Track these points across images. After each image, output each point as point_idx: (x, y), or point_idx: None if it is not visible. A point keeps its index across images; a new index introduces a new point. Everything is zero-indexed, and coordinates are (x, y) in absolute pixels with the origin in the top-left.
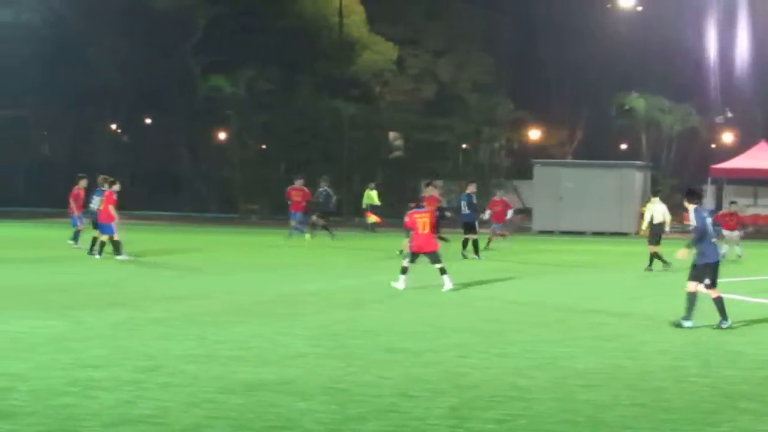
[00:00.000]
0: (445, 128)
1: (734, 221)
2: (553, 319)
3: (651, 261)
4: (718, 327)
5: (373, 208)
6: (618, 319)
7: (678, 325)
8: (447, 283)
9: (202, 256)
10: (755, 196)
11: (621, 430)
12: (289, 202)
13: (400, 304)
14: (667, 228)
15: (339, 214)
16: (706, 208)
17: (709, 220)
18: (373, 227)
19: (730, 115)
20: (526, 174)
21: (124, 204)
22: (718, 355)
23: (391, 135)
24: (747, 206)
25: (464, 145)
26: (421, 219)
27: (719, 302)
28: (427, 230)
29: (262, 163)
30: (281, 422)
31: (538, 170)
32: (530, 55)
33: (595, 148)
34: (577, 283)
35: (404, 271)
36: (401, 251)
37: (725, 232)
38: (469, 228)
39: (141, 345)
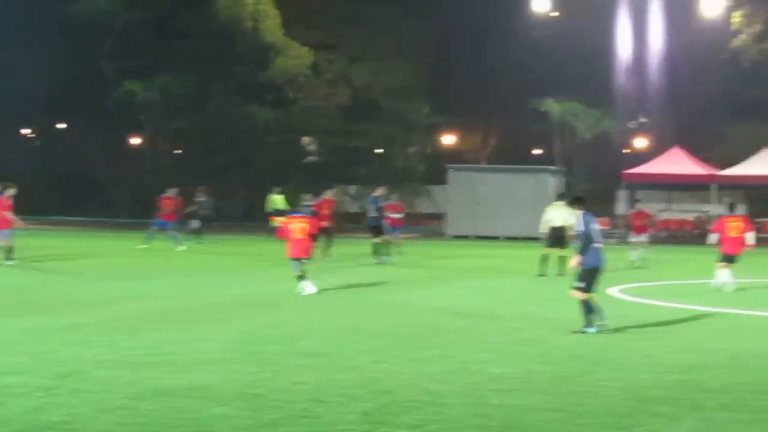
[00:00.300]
0: (360, 133)
1: (644, 221)
2: (468, 324)
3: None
4: (582, 332)
5: (278, 213)
6: (532, 324)
7: (583, 332)
8: (307, 288)
9: (112, 262)
10: (668, 201)
11: None
12: (161, 210)
13: (318, 309)
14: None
15: (214, 220)
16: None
17: (594, 226)
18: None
19: (643, 120)
20: (441, 179)
21: (37, 209)
22: (631, 359)
23: (306, 140)
24: (660, 211)
25: (379, 150)
26: (296, 225)
27: (587, 306)
28: (303, 235)
29: (177, 169)
30: (194, 428)
31: (453, 175)
32: (447, 60)
33: (510, 153)
34: (491, 288)
35: (300, 278)
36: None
37: (633, 238)
38: (377, 231)
39: (52, 351)
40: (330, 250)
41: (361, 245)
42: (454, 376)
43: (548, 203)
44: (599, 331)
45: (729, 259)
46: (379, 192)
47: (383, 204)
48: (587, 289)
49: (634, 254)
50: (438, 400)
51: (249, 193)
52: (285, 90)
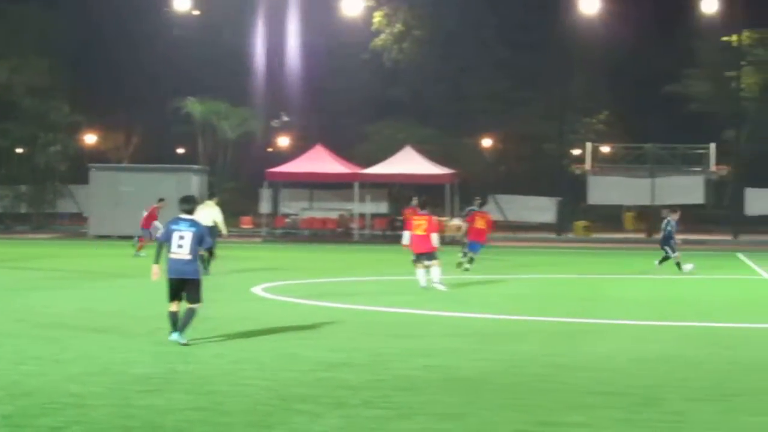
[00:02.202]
0: (0, 133)
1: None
2: (111, 324)
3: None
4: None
5: None
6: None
7: (177, 342)
8: None
9: None
10: (311, 199)
11: None
12: None
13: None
14: (224, 232)
15: None
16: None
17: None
18: None
19: (286, 119)
20: (84, 179)
21: None
22: (274, 357)
23: None
24: (303, 210)
25: (20, 150)
26: None
27: (173, 316)
28: None
29: None
30: None
31: (94, 175)
32: (90, 58)
33: (153, 153)
34: (134, 288)
35: None
36: None
37: None
38: None
39: None
40: None
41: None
42: (96, 377)
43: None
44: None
45: (417, 258)
46: None
47: None
48: (174, 299)
49: None
50: (80, 401)
51: None
52: None
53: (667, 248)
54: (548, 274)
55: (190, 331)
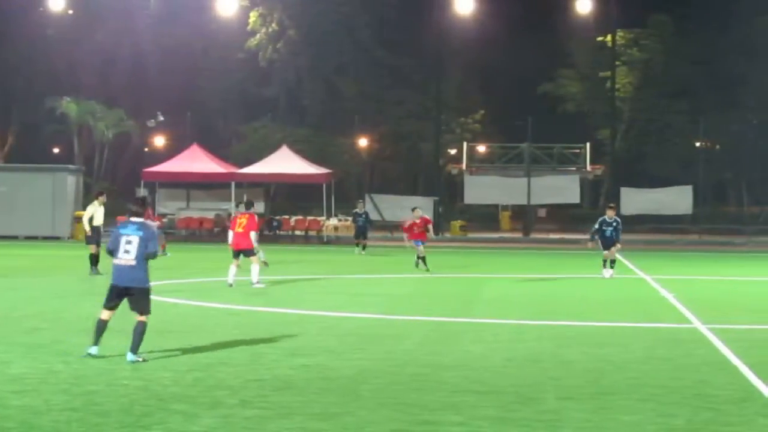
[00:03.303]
0: None
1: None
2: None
3: (92, 262)
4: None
5: None
6: (53, 324)
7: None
8: None
9: None
10: (188, 199)
11: None
12: None
13: None
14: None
15: None
16: None
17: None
18: None
19: (161, 119)
20: None
21: None
22: (151, 357)
23: None
24: (180, 209)
25: None
26: None
27: (102, 325)
28: None
29: None
30: None
31: None
32: None
33: (28, 153)
34: (13, 288)
35: None
36: None
37: None
38: None
39: None
40: None
41: None
42: None
43: (67, 202)
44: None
45: (235, 254)
46: None
47: None
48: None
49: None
50: None
51: None
52: None
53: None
54: (425, 273)
55: (68, 333)
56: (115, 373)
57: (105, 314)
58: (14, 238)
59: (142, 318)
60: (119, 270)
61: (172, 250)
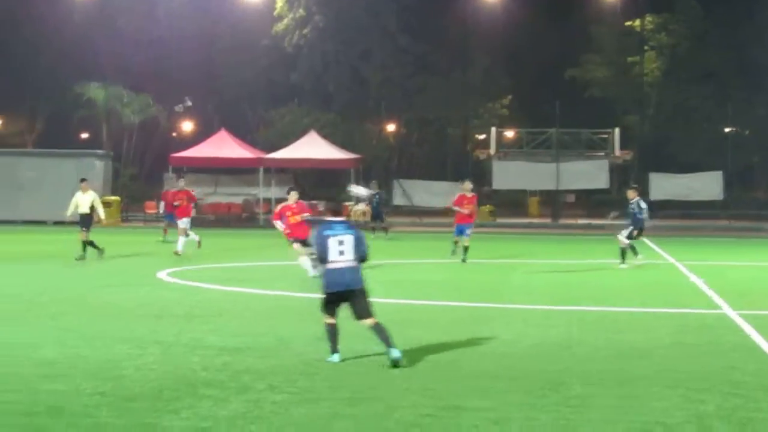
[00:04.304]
0: None
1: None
2: (15, 309)
3: (84, 248)
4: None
5: None
6: (79, 309)
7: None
8: None
9: None
10: (215, 184)
11: (83, 419)
12: None
13: None
14: (102, 218)
15: None
16: None
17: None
18: None
19: (189, 104)
20: None
21: None
22: (179, 342)
23: None
24: (208, 194)
25: None
26: None
27: (333, 330)
28: None
29: None
30: None
31: None
32: None
33: (57, 138)
34: (40, 272)
35: None
36: None
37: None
38: None
39: None
40: None
41: None
42: None
43: (95, 187)
44: None
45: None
46: None
47: None
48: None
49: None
50: None
51: None
52: None
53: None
54: (454, 259)
55: (94, 318)
56: (143, 358)
57: (331, 319)
58: (42, 223)
59: (372, 320)
60: (338, 273)
61: (199, 236)
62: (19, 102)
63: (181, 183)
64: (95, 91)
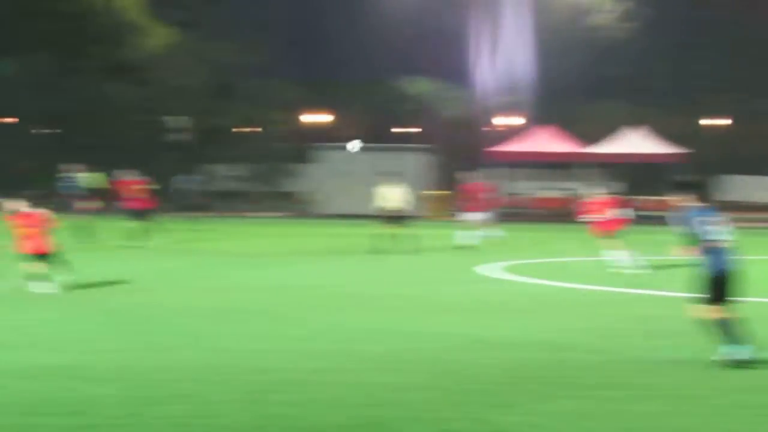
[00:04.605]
0: (221, 112)
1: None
2: (350, 302)
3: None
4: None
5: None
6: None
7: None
8: (47, 287)
9: None
10: (537, 179)
11: (424, 413)
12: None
13: (190, 289)
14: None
15: None
16: None
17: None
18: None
19: (506, 98)
20: (307, 158)
21: None
22: (501, 337)
23: (173, 119)
24: (534, 189)
25: (243, 129)
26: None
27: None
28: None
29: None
30: (71, 407)
31: (323, 154)
32: (316, 38)
33: (379, 133)
34: (367, 265)
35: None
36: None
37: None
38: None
39: None
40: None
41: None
42: (337, 355)
43: (418, 181)
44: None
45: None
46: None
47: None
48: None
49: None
50: (321, 378)
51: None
52: (146, 69)
53: None
54: None
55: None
56: (472, 353)
57: (718, 312)
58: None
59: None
60: (723, 256)
61: (524, 230)
62: (348, 96)
63: (476, 177)
64: (418, 85)
